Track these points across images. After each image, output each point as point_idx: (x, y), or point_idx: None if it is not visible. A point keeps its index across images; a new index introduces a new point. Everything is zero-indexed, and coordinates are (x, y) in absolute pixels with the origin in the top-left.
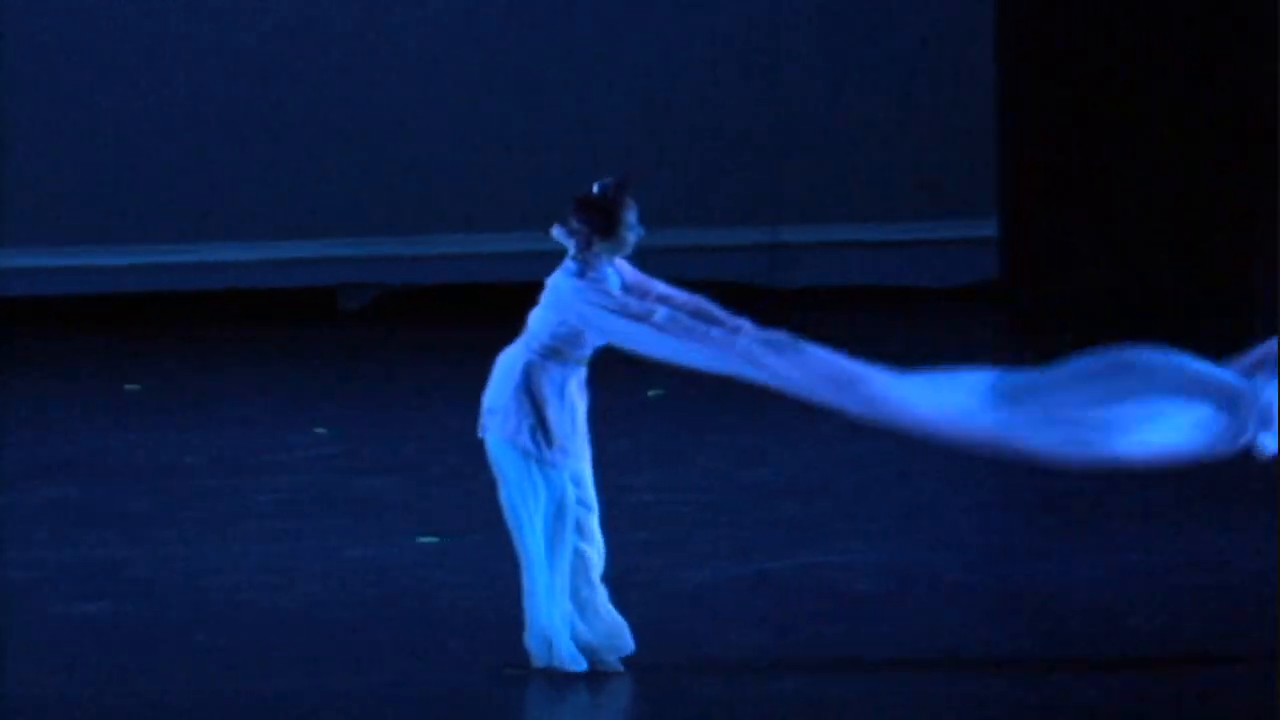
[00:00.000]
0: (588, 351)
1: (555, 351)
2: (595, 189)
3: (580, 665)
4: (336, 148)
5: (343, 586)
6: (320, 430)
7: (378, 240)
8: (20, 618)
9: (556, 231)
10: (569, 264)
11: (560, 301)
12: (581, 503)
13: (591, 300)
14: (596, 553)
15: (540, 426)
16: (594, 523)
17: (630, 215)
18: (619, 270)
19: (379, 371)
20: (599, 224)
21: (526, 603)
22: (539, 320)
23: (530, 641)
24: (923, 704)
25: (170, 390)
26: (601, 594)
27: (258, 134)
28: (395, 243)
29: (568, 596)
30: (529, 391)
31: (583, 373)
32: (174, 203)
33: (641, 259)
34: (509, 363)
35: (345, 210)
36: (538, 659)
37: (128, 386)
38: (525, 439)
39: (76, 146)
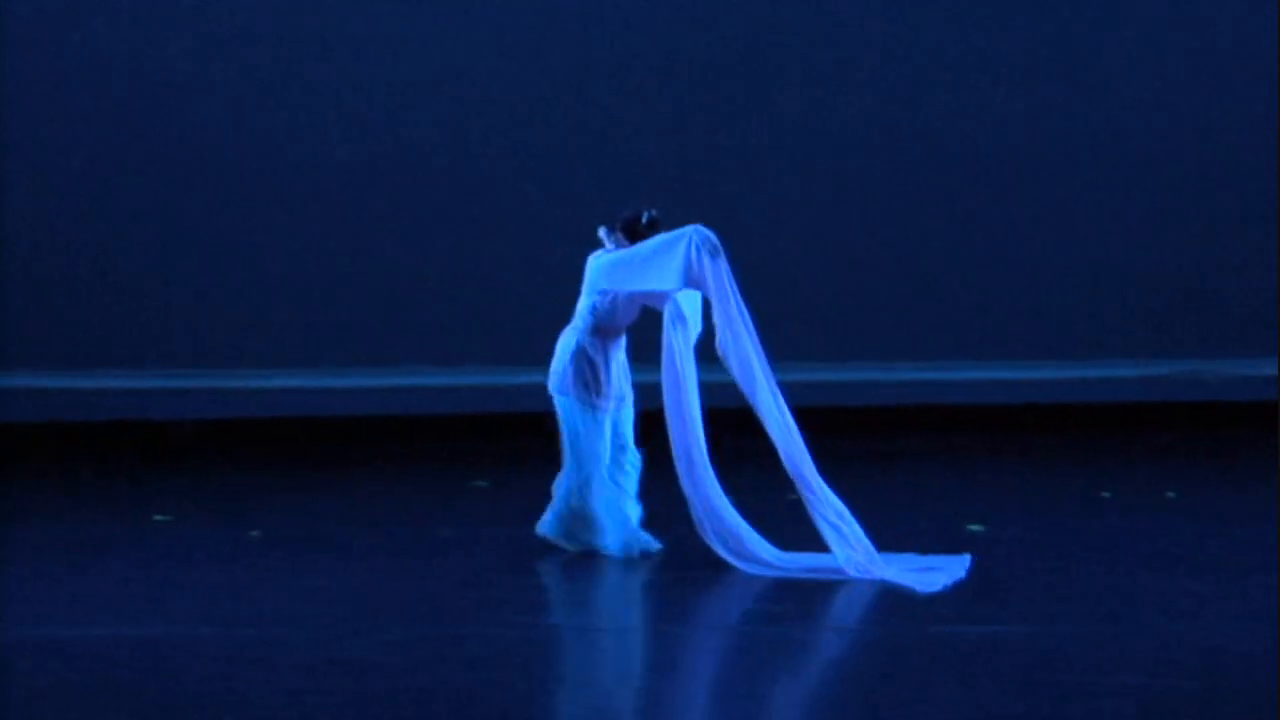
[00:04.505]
0: (622, 324)
1: (597, 329)
2: (644, 217)
3: (653, 544)
4: None
5: None
6: None
7: None
8: None
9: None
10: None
11: (592, 276)
12: (617, 435)
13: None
14: (627, 475)
15: (594, 381)
16: (626, 457)
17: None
18: None
19: None
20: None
21: (602, 511)
22: (581, 305)
23: (610, 543)
24: None
25: None
26: (632, 503)
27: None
28: None
29: (621, 499)
30: (584, 358)
31: (622, 341)
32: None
33: (917, 391)
34: (565, 341)
35: None
36: (619, 552)
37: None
38: (580, 391)
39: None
